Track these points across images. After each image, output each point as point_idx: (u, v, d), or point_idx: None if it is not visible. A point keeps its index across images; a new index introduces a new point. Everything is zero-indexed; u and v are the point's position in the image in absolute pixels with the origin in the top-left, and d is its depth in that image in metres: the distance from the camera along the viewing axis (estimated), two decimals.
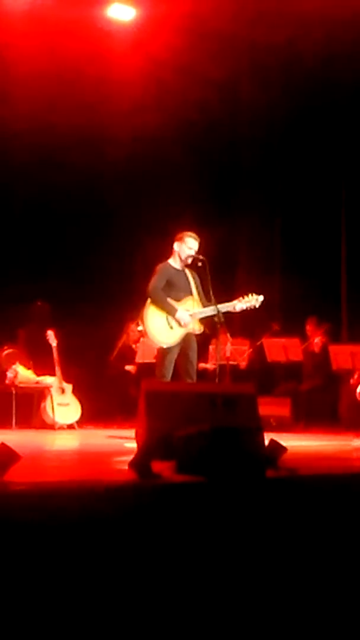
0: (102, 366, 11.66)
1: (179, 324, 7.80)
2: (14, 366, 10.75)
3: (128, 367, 11.40)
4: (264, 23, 10.36)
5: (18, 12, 9.59)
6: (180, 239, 8.01)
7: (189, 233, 8.02)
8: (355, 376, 10.52)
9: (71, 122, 10.58)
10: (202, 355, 10.28)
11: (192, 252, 7.96)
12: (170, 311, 7.80)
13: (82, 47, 9.96)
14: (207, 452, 4.94)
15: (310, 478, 5.19)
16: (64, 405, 10.66)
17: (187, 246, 7.97)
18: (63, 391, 10.72)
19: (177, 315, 7.78)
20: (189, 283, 8.01)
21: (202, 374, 10.43)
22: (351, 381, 10.56)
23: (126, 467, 4.99)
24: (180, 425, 5.47)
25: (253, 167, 12.88)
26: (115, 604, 3.80)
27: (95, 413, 11.20)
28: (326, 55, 11.02)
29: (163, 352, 7.86)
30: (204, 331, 7.99)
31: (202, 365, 10.62)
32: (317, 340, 11.56)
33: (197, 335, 7.97)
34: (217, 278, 7.90)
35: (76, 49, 9.95)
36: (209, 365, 10.98)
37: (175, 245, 8.02)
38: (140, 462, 4.87)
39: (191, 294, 7.99)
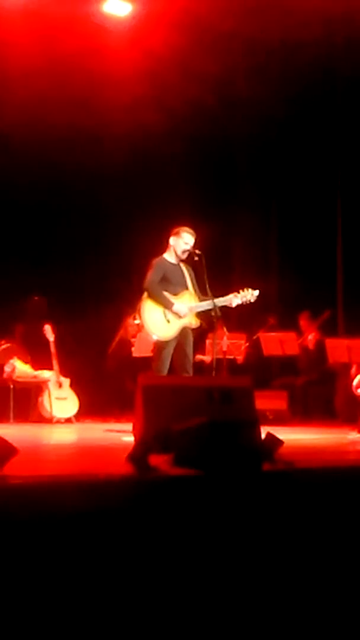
0: (99, 360, 11.66)
1: (178, 316, 7.82)
2: (11, 361, 10.78)
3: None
4: (260, 18, 10.35)
5: (14, 7, 9.56)
6: (177, 234, 8.03)
7: (186, 228, 8.05)
8: (354, 369, 10.47)
9: (67, 118, 10.58)
10: (199, 348, 10.30)
11: (188, 247, 7.99)
12: (167, 304, 7.83)
13: (78, 43, 9.94)
14: (204, 445, 4.92)
15: (306, 471, 5.17)
16: (61, 399, 10.68)
17: (184, 241, 8.00)
18: (60, 385, 10.74)
19: (175, 308, 7.81)
20: (184, 277, 8.05)
21: (199, 366, 10.46)
22: (352, 370, 10.45)
23: (124, 461, 4.95)
24: (177, 418, 5.47)
25: (250, 162, 12.89)
26: (114, 597, 3.81)
27: (92, 407, 11.21)
28: (324, 50, 11.03)
29: (160, 346, 7.89)
30: (200, 325, 8.02)
31: (199, 357, 10.63)
32: (310, 337, 11.57)
33: (193, 330, 8.00)
34: (213, 273, 7.91)
35: (72, 45, 9.93)
36: (206, 358, 10.97)
37: (172, 240, 8.05)
38: (138, 455, 4.85)
39: (187, 288, 8.03)
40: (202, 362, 10.80)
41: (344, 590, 4.29)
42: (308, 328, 11.67)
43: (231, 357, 11.40)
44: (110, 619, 3.76)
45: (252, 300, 8.03)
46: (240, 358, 11.69)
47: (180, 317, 7.83)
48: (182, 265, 8.08)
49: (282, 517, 4.48)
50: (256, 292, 8.01)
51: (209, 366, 10.78)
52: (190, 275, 8.06)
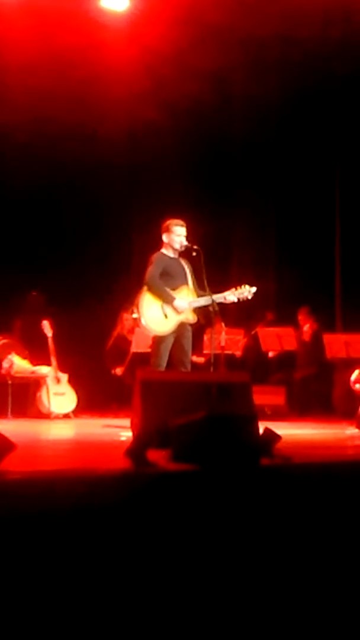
0: (97, 356, 11.67)
1: (176, 312, 7.83)
2: (9, 356, 10.77)
3: (117, 371, 11.28)
4: (258, 13, 10.33)
5: (11, 2, 9.55)
6: (167, 229, 8.03)
7: (173, 220, 8.05)
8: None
9: (65, 114, 10.57)
10: (197, 345, 10.28)
11: (183, 238, 7.99)
12: (168, 299, 7.83)
13: (75, 38, 9.90)
14: (202, 440, 4.95)
15: (304, 466, 5.22)
16: (59, 395, 10.69)
17: (176, 234, 8.00)
18: (59, 381, 10.75)
19: (175, 303, 7.82)
20: (184, 271, 8.05)
21: (195, 367, 10.41)
22: None
23: (122, 456, 4.99)
24: (176, 414, 5.49)
25: (248, 158, 12.87)
26: (112, 592, 3.81)
27: (90, 402, 11.23)
28: (321, 46, 10.99)
29: (158, 341, 7.90)
30: (198, 320, 8.03)
31: (193, 358, 10.58)
32: (306, 328, 11.60)
33: (191, 325, 8.00)
34: (211, 268, 7.92)
35: (69, 40, 9.89)
36: (200, 359, 10.89)
37: (164, 237, 8.05)
38: (136, 450, 4.88)
39: (186, 283, 8.02)
40: (196, 364, 10.72)
41: (343, 585, 4.30)
42: (305, 322, 11.70)
43: (229, 352, 11.40)
44: (109, 614, 3.76)
45: (249, 297, 8.04)
46: (238, 353, 11.70)
47: (179, 312, 7.83)
48: (181, 259, 8.09)
49: (280, 511, 4.50)
50: (253, 289, 8.01)
51: (203, 366, 10.75)
52: (189, 269, 8.07)
